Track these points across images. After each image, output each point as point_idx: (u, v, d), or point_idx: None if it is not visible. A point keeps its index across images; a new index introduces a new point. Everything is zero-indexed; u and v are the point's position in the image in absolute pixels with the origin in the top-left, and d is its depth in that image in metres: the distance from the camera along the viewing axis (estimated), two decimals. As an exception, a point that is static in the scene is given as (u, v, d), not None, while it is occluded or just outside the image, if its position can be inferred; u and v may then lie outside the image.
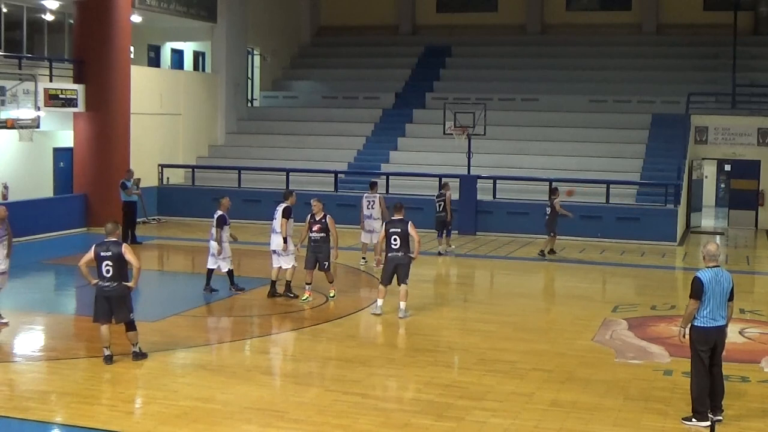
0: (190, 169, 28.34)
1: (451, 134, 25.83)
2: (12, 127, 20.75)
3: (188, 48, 34.18)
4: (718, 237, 26.10)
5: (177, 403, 9.94)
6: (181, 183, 28.40)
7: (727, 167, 30.94)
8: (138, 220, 22.81)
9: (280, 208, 15.56)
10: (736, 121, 27.68)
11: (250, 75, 33.78)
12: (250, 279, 17.26)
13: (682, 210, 25.25)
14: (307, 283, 15.34)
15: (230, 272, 15.87)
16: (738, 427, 9.57)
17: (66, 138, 25.17)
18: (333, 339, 13.14)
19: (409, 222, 14.26)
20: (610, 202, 24.52)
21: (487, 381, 11.03)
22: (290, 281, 15.57)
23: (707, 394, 9.53)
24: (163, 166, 27.64)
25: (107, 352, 11.51)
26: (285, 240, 15.40)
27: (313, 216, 15.20)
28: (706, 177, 32.08)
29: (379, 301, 14.52)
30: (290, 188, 16.56)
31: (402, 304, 14.27)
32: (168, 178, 27.96)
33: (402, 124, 30.28)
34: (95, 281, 11.53)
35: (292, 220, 15.55)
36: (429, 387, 10.74)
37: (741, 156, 27.87)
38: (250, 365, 11.80)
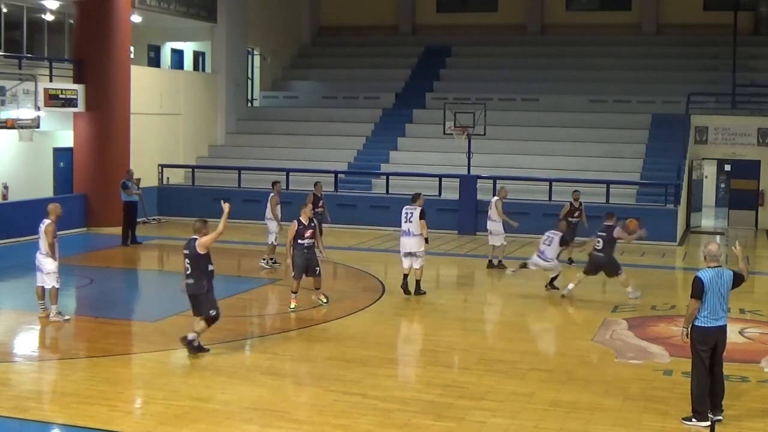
0: (190, 169, 28.33)
1: (451, 134, 25.83)
2: (12, 127, 20.75)
3: (188, 48, 34.19)
4: (718, 237, 26.09)
5: (177, 403, 9.94)
6: (181, 183, 28.40)
7: (727, 167, 30.93)
8: (138, 220, 22.79)
9: (416, 212, 15.70)
10: (736, 121, 27.66)
11: (250, 75, 33.79)
12: (250, 279, 17.26)
13: (682, 210, 25.25)
14: (294, 292, 14.82)
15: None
16: (738, 427, 9.57)
17: (66, 138, 25.17)
18: (333, 339, 13.13)
19: (616, 227, 16.19)
20: (610, 202, 24.49)
21: (487, 381, 11.03)
22: (419, 280, 16.04)
23: (707, 394, 9.54)
24: (163, 166, 27.64)
25: (191, 336, 11.85)
26: (427, 240, 15.94)
27: (300, 221, 14.68)
28: (706, 177, 32.07)
29: (571, 285, 16.36)
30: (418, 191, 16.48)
31: (629, 289, 16.24)
32: (168, 178, 27.96)
33: (402, 124, 30.28)
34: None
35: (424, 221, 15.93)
36: (429, 387, 10.74)
37: (741, 156, 27.86)
38: (250, 365, 11.80)
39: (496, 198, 20.18)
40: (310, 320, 14.35)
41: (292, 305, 14.72)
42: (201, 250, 11.71)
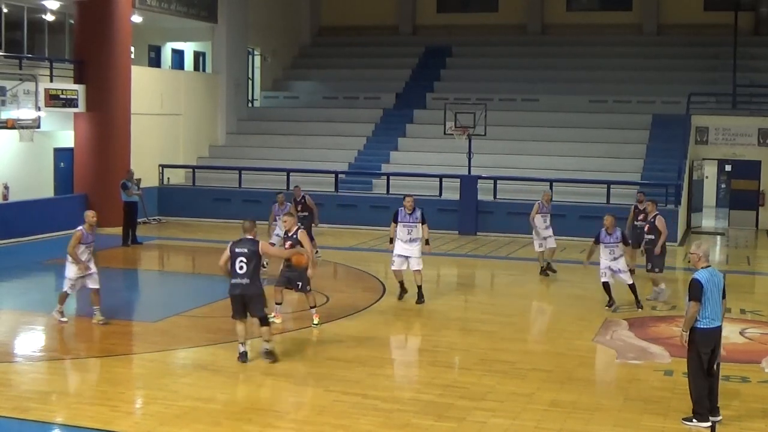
0: (191, 170, 28.33)
1: (452, 134, 25.85)
2: (12, 127, 20.76)
3: (189, 48, 34.20)
4: (718, 237, 26.10)
5: (177, 403, 9.95)
6: (182, 183, 28.39)
7: (728, 167, 30.94)
8: (139, 220, 22.79)
9: (417, 213, 15.59)
10: (737, 121, 27.66)
11: (250, 75, 33.79)
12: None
13: (682, 210, 25.25)
14: (277, 303, 13.78)
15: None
16: (738, 427, 9.57)
17: (66, 138, 25.18)
18: (333, 339, 13.13)
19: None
20: (610, 202, 24.49)
21: (487, 381, 11.03)
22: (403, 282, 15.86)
23: (707, 395, 9.54)
24: (163, 166, 27.64)
25: (242, 349, 11.64)
26: (391, 240, 15.65)
27: (285, 232, 13.71)
28: (707, 177, 32.06)
29: (663, 285, 16.29)
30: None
31: (662, 286, 16.29)
32: (168, 179, 27.96)
33: (402, 125, 30.29)
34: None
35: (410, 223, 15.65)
36: (429, 387, 10.75)
37: (741, 156, 27.87)
38: (250, 365, 11.79)
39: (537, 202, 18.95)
40: (310, 320, 14.33)
41: (276, 319, 13.67)
42: (262, 252, 11.61)
